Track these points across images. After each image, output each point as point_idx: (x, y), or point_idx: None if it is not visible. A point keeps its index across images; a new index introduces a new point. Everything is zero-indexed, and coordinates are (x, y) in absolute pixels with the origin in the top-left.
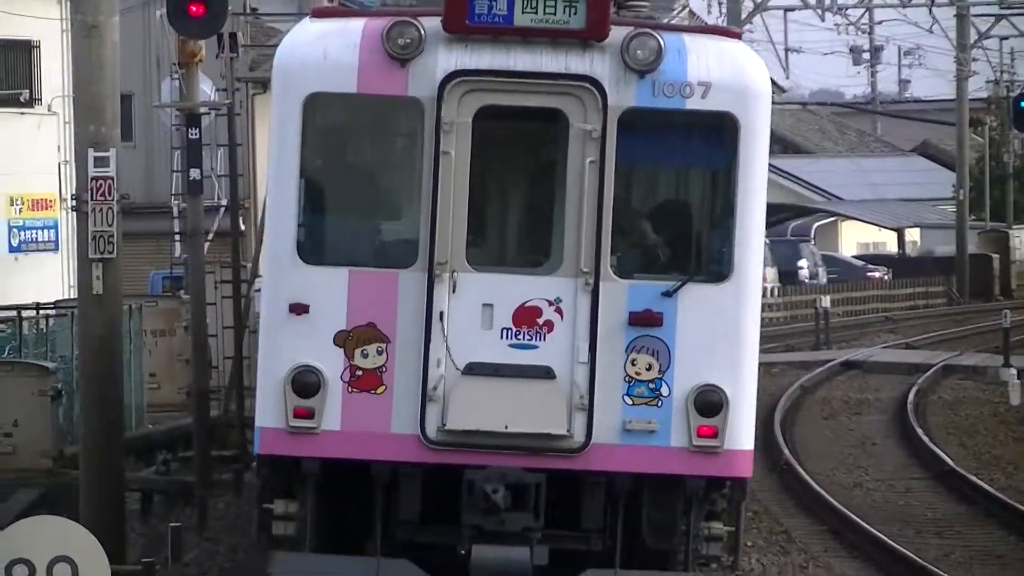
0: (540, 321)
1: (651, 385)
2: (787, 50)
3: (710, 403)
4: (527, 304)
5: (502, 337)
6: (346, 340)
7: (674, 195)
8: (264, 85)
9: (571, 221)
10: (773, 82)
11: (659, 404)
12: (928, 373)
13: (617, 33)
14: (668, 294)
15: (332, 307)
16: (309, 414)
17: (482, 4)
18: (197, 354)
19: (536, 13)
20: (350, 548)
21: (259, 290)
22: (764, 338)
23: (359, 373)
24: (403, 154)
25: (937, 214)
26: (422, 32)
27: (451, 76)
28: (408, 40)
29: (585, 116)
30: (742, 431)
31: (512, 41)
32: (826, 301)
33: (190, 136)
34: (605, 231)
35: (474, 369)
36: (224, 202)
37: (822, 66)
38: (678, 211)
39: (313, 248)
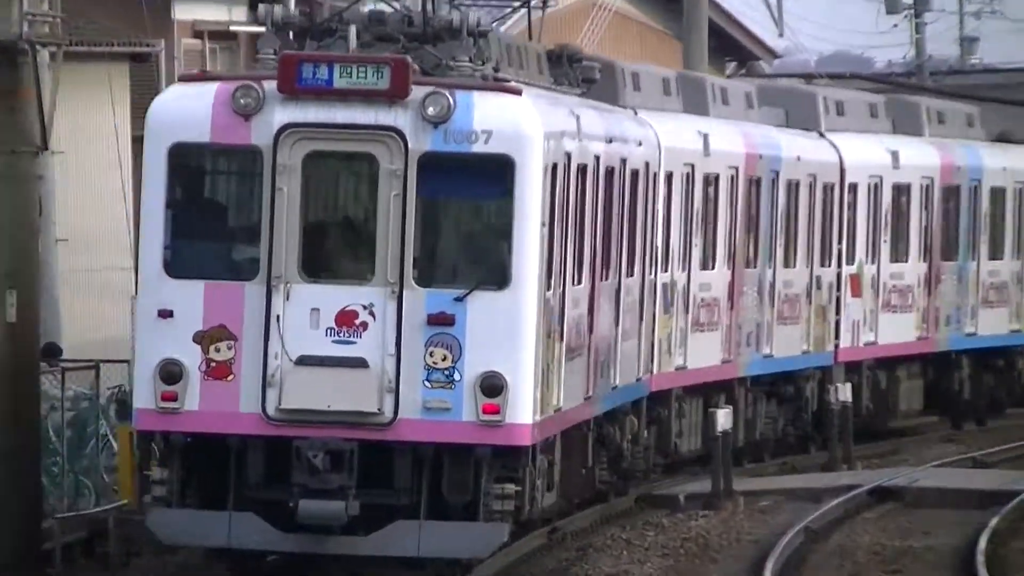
0: (357, 322)
1: (446, 372)
2: None
3: (493, 386)
4: (347, 308)
5: (327, 335)
6: (203, 338)
7: (464, 220)
8: None
9: (381, 242)
10: (762, 44)
11: (452, 387)
12: (1009, 507)
13: (418, 92)
14: (459, 299)
15: (192, 312)
16: (174, 397)
17: (308, 70)
18: None
19: (351, 77)
20: (212, 505)
21: None
22: (738, 452)
23: (213, 364)
24: (248, 190)
25: None
26: (261, 93)
27: (284, 128)
28: (249, 100)
29: (391, 159)
30: (520, 409)
31: (333, 99)
32: (845, 390)
33: None
34: (407, 250)
35: (304, 360)
36: None
37: (837, 18)
38: (467, 233)
39: (176, 265)
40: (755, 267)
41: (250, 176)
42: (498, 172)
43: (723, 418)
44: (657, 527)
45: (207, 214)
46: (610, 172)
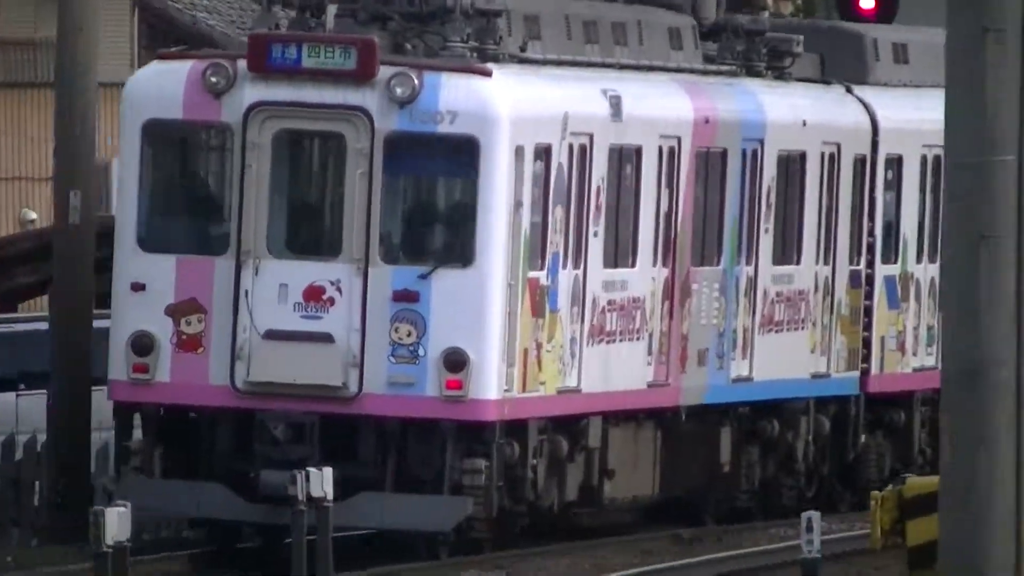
0: (324, 297)
1: (410, 348)
2: None
3: (457, 362)
4: (314, 284)
5: (294, 310)
6: (174, 311)
7: (429, 199)
8: None
9: (348, 219)
10: None
11: (417, 363)
12: None
13: (385, 72)
14: (424, 276)
15: (163, 286)
16: (145, 369)
17: (277, 50)
18: None
19: (319, 58)
20: (185, 475)
21: None
22: None
23: (184, 337)
24: (218, 166)
25: None
26: (231, 72)
27: (254, 106)
28: (220, 78)
29: (358, 138)
30: (484, 385)
31: (303, 78)
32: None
33: None
34: (373, 227)
35: (272, 334)
36: None
37: None
38: (433, 211)
39: (149, 239)
40: None
41: (221, 153)
42: (463, 152)
43: None
44: None
45: (179, 190)
46: (716, 155)
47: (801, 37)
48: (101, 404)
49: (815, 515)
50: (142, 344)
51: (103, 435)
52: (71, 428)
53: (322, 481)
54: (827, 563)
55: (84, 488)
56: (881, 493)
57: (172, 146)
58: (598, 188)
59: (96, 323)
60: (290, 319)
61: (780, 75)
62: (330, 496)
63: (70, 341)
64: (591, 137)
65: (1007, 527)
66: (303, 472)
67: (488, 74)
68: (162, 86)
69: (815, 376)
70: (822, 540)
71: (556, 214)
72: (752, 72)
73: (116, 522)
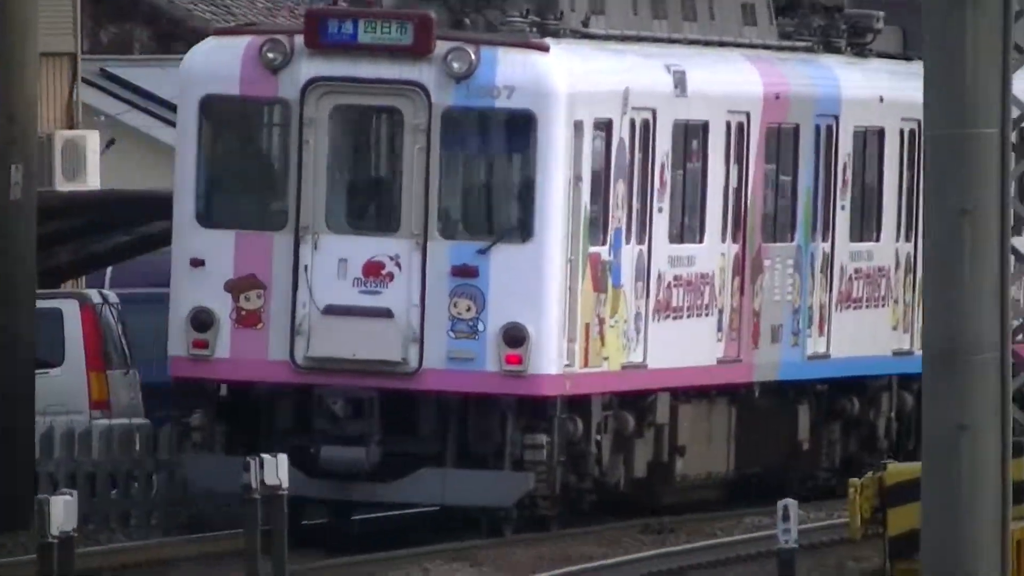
0: (383, 272)
1: (469, 323)
2: None
3: (516, 337)
4: (373, 259)
5: (353, 285)
6: (233, 287)
7: (487, 173)
8: None
9: (406, 194)
10: None
11: (476, 338)
12: None
13: (442, 47)
14: (482, 251)
15: (223, 261)
16: (204, 345)
17: (333, 25)
18: None
19: (376, 33)
20: (245, 452)
21: None
22: None
23: (243, 313)
24: (276, 142)
25: None
26: (288, 47)
27: (311, 82)
28: (277, 54)
29: (415, 113)
30: (544, 360)
31: (360, 54)
32: (281, 464)
33: None
34: (431, 202)
35: (331, 310)
36: None
37: None
38: (490, 186)
39: (208, 215)
40: None
41: (278, 128)
42: (520, 127)
43: None
44: None
45: (237, 165)
46: (788, 131)
47: (882, 13)
48: (45, 389)
49: (792, 503)
50: (201, 320)
51: (47, 420)
52: (14, 412)
53: (276, 468)
54: (804, 553)
55: (29, 475)
56: (860, 480)
57: (230, 122)
58: (662, 163)
59: (40, 303)
60: (349, 294)
61: (860, 51)
62: (285, 484)
63: (12, 320)
64: (654, 112)
65: (992, 516)
66: (256, 459)
67: (545, 49)
68: (219, 62)
69: (897, 353)
70: (800, 529)
71: (618, 189)
72: (831, 48)
73: (62, 511)
